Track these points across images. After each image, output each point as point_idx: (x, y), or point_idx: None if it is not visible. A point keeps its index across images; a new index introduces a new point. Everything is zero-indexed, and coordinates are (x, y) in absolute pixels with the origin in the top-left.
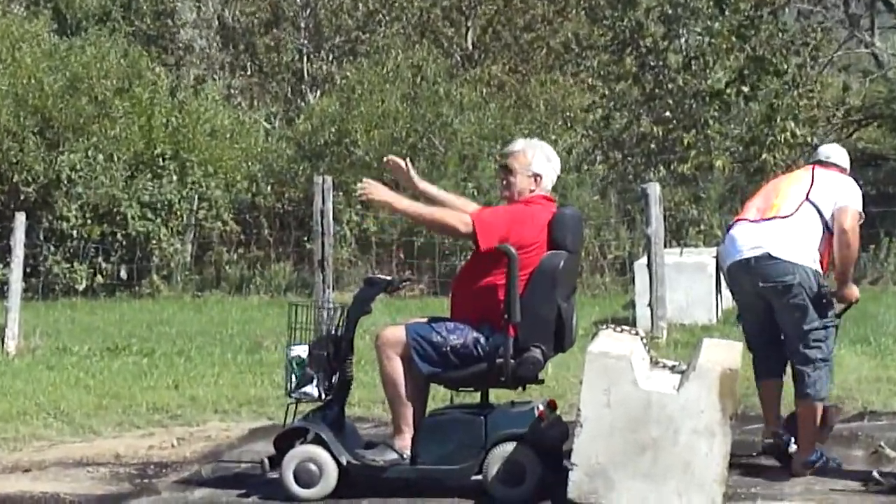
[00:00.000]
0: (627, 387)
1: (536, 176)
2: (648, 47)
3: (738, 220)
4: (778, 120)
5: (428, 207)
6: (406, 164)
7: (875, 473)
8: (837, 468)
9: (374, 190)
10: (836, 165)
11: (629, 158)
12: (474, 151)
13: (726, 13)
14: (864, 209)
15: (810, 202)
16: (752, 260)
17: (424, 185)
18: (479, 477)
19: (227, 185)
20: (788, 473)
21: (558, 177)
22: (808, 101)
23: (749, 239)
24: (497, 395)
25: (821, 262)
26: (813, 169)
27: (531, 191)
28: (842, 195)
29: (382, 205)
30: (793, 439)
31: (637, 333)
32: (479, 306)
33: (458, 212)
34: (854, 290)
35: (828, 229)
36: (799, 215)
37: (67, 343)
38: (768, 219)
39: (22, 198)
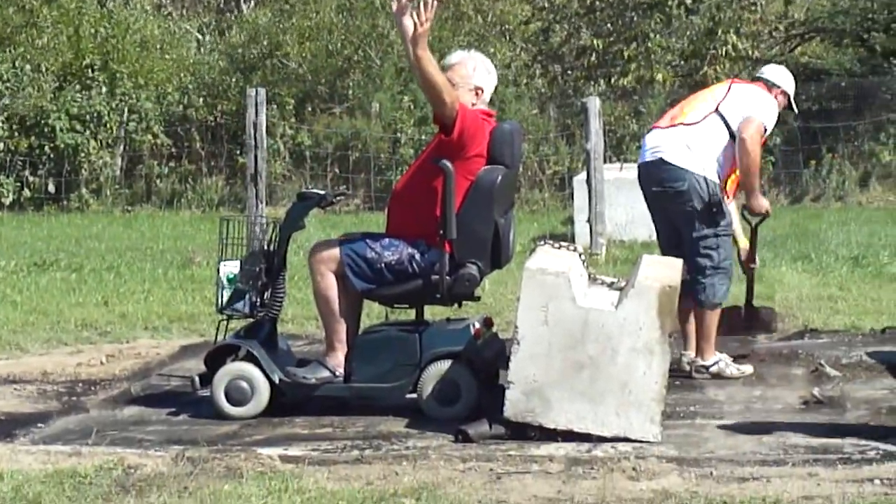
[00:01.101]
0: (565, 304)
1: (478, 89)
2: None
3: (652, 126)
4: (720, 33)
5: (436, 66)
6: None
7: (815, 391)
8: (742, 375)
9: (423, 32)
10: (764, 81)
11: (569, 72)
12: None
13: None
14: (804, 124)
15: (718, 113)
16: (649, 164)
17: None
18: (414, 395)
19: (158, 98)
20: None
21: (496, 90)
22: (750, 14)
23: (651, 144)
24: (432, 313)
25: (726, 174)
26: (731, 83)
27: (472, 104)
28: (751, 108)
29: (419, 42)
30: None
31: (576, 250)
32: (414, 222)
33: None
34: (762, 201)
35: (734, 141)
36: (703, 125)
37: None
38: (673, 126)
39: None
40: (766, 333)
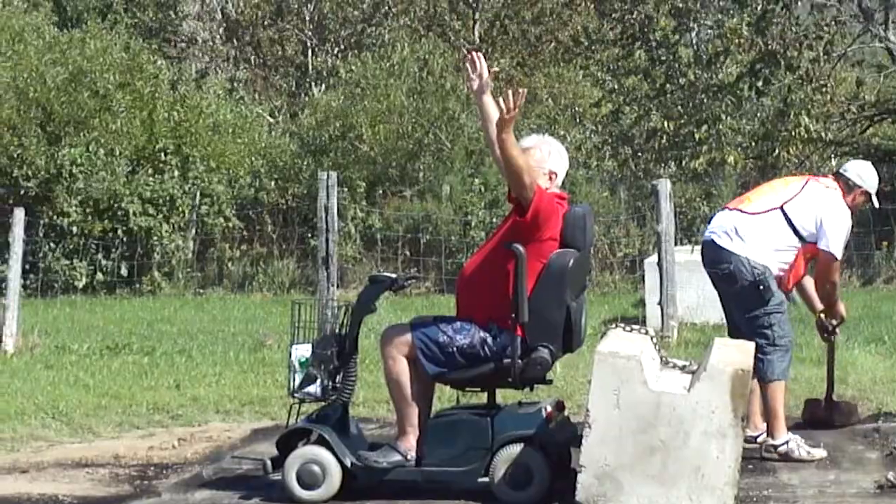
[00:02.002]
0: (637, 387)
1: (552, 173)
2: (658, 41)
3: (722, 207)
4: (791, 115)
5: (518, 148)
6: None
7: (890, 476)
8: (809, 457)
9: (511, 117)
10: (845, 181)
11: (639, 154)
12: (481, 146)
13: (738, 7)
14: (879, 206)
15: (783, 211)
16: (704, 245)
17: (489, 99)
18: (486, 479)
19: (230, 181)
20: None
21: (567, 173)
22: (821, 95)
23: (711, 226)
24: (504, 396)
25: (784, 269)
26: (808, 179)
27: (546, 188)
28: (828, 230)
29: (506, 125)
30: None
31: (647, 333)
32: (486, 305)
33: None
34: (841, 309)
35: (801, 240)
36: (763, 217)
37: (67, 341)
38: (734, 209)
39: (22, 192)
40: (848, 426)
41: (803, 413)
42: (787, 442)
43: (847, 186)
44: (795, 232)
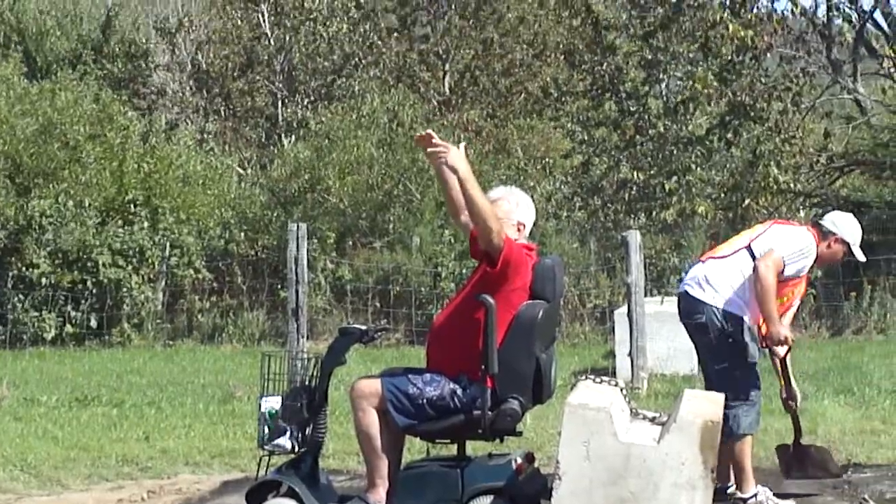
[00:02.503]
0: (607, 439)
1: (520, 224)
2: (628, 92)
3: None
4: (760, 166)
5: (485, 198)
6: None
7: None
8: None
9: (451, 154)
10: (819, 228)
11: (609, 205)
12: None
13: (708, 59)
14: (865, 259)
15: (748, 250)
16: (679, 296)
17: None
18: None
19: (200, 232)
20: None
21: (537, 223)
22: (790, 147)
23: (687, 276)
24: (474, 448)
25: (755, 309)
26: (773, 223)
27: (515, 239)
28: (778, 244)
29: (452, 170)
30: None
31: (617, 384)
32: (456, 357)
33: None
34: (778, 329)
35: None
36: (731, 259)
37: (35, 393)
38: (705, 259)
39: None
40: (828, 476)
41: (780, 463)
42: (755, 495)
43: (821, 234)
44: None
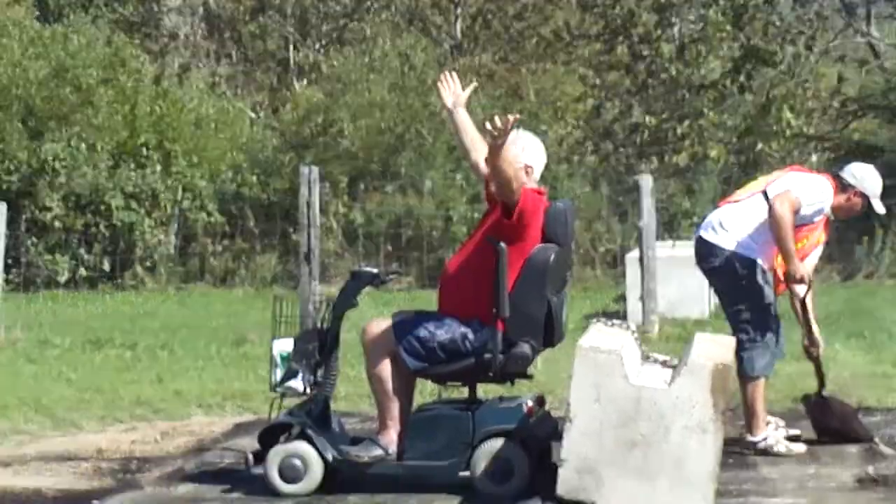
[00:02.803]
0: (618, 382)
1: (528, 167)
2: (640, 36)
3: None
4: (773, 110)
5: (511, 163)
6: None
7: (870, 469)
8: (788, 452)
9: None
10: (840, 180)
11: (621, 149)
12: None
13: (720, 2)
14: (884, 211)
15: (763, 194)
16: (695, 241)
17: (463, 112)
18: (467, 473)
19: (212, 176)
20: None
21: (549, 167)
22: (803, 91)
23: (704, 222)
24: (485, 391)
25: (771, 252)
26: (790, 169)
27: (522, 183)
28: (794, 185)
29: (500, 143)
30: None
31: (628, 328)
32: (467, 300)
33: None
34: (797, 266)
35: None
36: (747, 203)
37: (49, 336)
38: (722, 204)
39: (4, 188)
40: (853, 438)
41: (808, 415)
42: (765, 438)
43: (841, 185)
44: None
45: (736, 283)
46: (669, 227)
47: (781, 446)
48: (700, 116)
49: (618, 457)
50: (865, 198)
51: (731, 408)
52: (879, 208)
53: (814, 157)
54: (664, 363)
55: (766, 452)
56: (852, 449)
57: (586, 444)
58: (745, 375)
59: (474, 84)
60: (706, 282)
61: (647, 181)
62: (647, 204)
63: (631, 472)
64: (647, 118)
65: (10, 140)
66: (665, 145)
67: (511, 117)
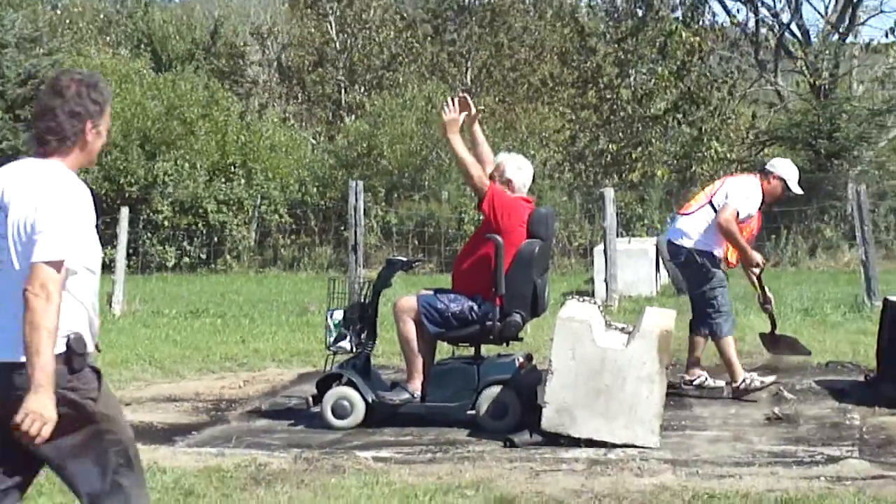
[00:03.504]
0: (587, 344)
1: (508, 181)
2: (605, 84)
3: (676, 213)
4: (704, 140)
5: (469, 155)
6: (473, 108)
7: (776, 410)
8: (762, 385)
9: (451, 121)
10: (762, 171)
11: (590, 169)
12: None
13: (666, 59)
14: (801, 192)
15: (710, 204)
16: (666, 243)
17: (478, 131)
18: (473, 412)
19: (283, 187)
20: (711, 408)
21: (536, 182)
22: (726, 126)
23: (670, 229)
24: (487, 350)
25: (723, 248)
26: (725, 179)
27: (510, 193)
28: (730, 197)
29: (448, 129)
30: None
31: (595, 303)
32: (473, 281)
33: (484, 174)
34: (753, 256)
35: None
36: (698, 213)
37: (160, 307)
38: (681, 214)
39: (126, 195)
40: (799, 354)
41: (762, 344)
42: (745, 379)
43: (763, 173)
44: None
45: (698, 271)
46: (626, 227)
47: (757, 381)
48: (649, 144)
49: (587, 401)
50: (783, 181)
51: (672, 363)
52: (796, 189)
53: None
54: (622, 329)
55: (748, 390)
56: (763, 394)
57: (564, 391)
58: (716, 338)
59: (463, 94)
60: (653, 268)
61: (609, 193)
62: (610, 210)
63: (597, 413)
64: (610, 145)
65: (131, 160)
66: (623, 166)
67: (462, 96)
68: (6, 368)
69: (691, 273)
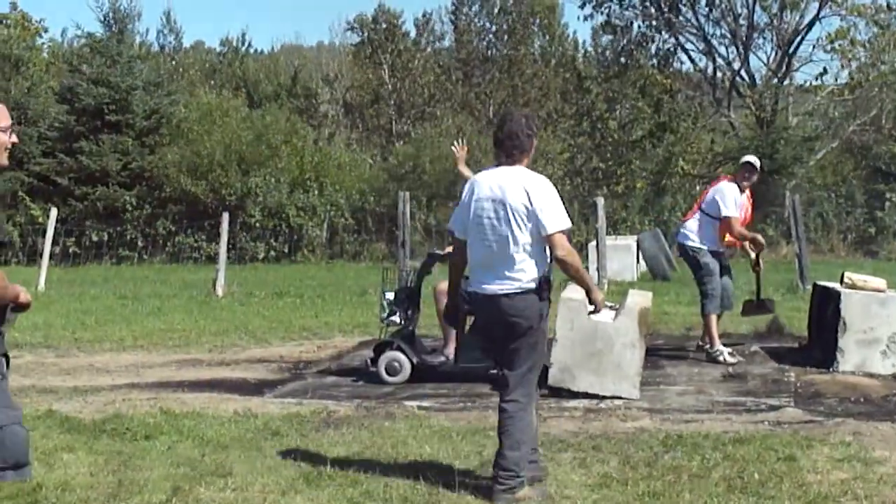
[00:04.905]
0: (584, 318)
1: None
2: (597, 116)
3: (683, 219)
4: (673, 160)
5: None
6: (462, 152)
7: (730, 370)
8: (726, 361)
9: (461, 157)
10: (735, 171)
11: (585, 182)
12: None
13: (644, 97)
14: (761, 166)
15: (702, 211)
16: (677, 244)
17: (464, 167)
18: (495, 371)
19: (347, 197)
20: (681, 367)
21: None
22: (691, 148)
23: (679, 232)
24: None
25: (718, 241)
26: (710, 186)
27: None
28: (724, 210)
29: (459, 161)
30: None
31: None
32: None
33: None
34: (758, 238)
35: (717, 220)
36: (693, 219)
37: (252, 289)
38: (685, 220)
39: (227, 203)
40: (765, 313)
41: (742, 308)
42: (718, 350)
43: (736, 168)
44: (711, 217)
45: (695, 263)
46: (613, 228)
47: (726, 356)
48: (631, 163)
49: (583, 362)
50: (749, 165)
51: (650, 333)
52: (751, 158)
53: (698, 188)
54: (611, 307)
55: (716, 359)
56: (720, 357)
57: (565, 354)
58: (703, 314)
59: (465, 147)
60: (634, 260)
61: (600, 201)
62: (601, 214)
63: (591, 371)
64: (600, 164)
65: (230, 176)
66: (610, 180)
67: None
68: None
69: (690, 264)
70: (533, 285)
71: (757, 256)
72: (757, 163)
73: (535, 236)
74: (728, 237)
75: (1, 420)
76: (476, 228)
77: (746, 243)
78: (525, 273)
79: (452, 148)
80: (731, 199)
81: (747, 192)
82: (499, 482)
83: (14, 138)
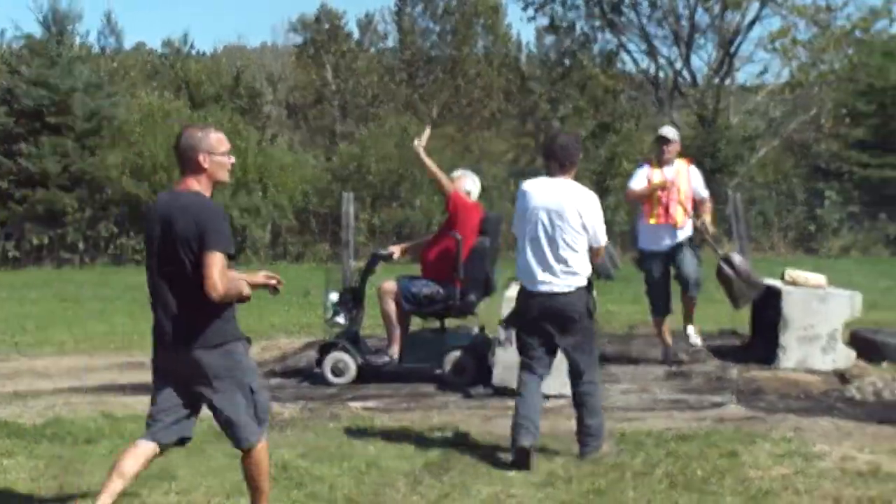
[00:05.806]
0: None
1: (467, 192)
2: (540, 116)
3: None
4: (616, 160)
5: (438, 169)
6: (423, 140)
7: (673, 368)
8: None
9: (421, 150)
10: (654, 156)
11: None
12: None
13: (586, 97)
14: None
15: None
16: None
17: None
18: (440, 371)
19: (290, 197)
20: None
21: (487, 191)
22: (633, 149)
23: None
24: (449, 323)
25: (650, 216)
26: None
27: (450, 182)
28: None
29: (420, 156)
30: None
31: None
32: (438, 269)
33: (450, 182)
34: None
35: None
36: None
37: None
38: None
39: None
40: (761, 287)
41: (732, 301)
42: (692, 346)
43: (664, 152)
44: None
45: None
46: None
47: (693, 339)
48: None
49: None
50: (657, 137)
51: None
52: (664, 131)
53: None
54: None
55: (704, 360)
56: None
57: (510, 354)
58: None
59: (428, 130)
60: None
61: None
62: None
63: None
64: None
65: (173, 178)
66: None
67: (427, 127)
68: None
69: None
70: (585, 283)
71: (700, 220)
72: (668, 132)
73: (584, 244)
74: (656, 210)
75: None
76: (531, 234)
77: (698, 220)
78: (579, 274)
79: (415, 142)
80: (634, 177)
81: (681, 167)
82: (586, 444)
83: (232, 159)
